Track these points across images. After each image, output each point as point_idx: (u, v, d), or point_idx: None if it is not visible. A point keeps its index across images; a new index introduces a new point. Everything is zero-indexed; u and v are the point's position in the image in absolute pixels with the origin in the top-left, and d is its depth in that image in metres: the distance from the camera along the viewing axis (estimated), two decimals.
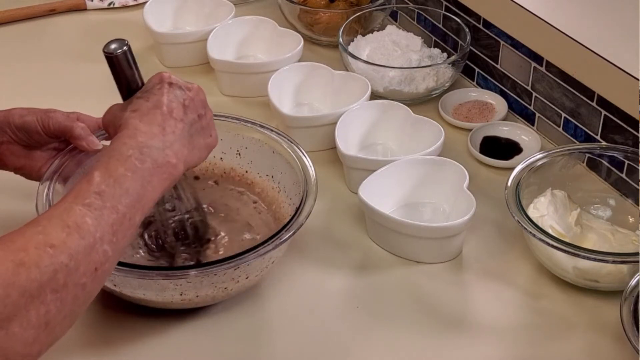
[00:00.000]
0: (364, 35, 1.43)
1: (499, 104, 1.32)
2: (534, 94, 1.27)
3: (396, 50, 1.38)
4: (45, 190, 0.99)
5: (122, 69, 0.93)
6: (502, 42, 1.30)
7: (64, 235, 0.75)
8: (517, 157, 1.22)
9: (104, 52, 0.92)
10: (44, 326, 0.73)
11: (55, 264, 0.73)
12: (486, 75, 1.36)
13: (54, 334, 0.75)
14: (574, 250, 0.97)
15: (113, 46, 0.92)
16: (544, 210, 1.05)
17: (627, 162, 1.11)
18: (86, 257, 0.75)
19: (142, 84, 0.94)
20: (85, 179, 0.80)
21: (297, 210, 0.98)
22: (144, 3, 1.49)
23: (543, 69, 1.23)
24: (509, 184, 1.05)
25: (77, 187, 0.80)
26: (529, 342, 0.96)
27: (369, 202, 1.06)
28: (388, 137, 1.23)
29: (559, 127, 1.23)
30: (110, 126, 0.92)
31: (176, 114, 0.90)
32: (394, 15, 1.52)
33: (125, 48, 0.92)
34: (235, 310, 0.99)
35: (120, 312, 0.98)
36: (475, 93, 1.36)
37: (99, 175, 0.80)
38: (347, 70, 1.35)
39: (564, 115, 1.22)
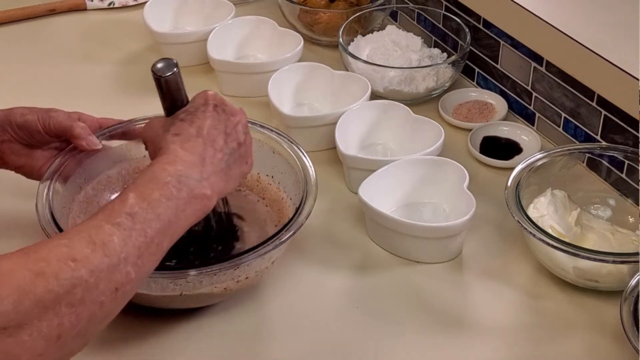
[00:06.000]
0: (364, 35, 1.43)
1: (499, 104, 1.32)
2: (534, 94, 1.27)
3: (396, 50, 1.38)
4: (46, 190, 0.99)
5: (170, 90, 0.92)
6: (502, 42, 1.30)
7: (89, 251, 0.74)
8: (517, 157, 1.22)
9: (153, 72, 0.91)
10: (55, 339, 0.72)
11: (74, 278, 0.73)
12: (486, 75, 1.36)
13: (65, 349, 0.74)
14: (574, 250, 0.97)
15: (160, 65, 0.91)
16: (544, 210, 1.05)
17: (627, 162, 1.11)
18: (108, 276, 0.75)
19: (187, 100, 0.93)
20: (119, 199, 0.81)
21: (297, 210, 0.98)
22: (144, 3, 1.49)
23: (543, 69, 1.23)
24: (509, 184, 1.05)
25: (110, 206, 0.80)
26: (529, 342, 0.96)
27: (369, 202, 1.06)
28: (388, 137, 1.23)
29: (559, 127, 1.23)
30: (149, 143, 0.92)
31: (217, 144, 0.89)
32: (394, 15, 1.53)
33: (175, 70, 0.91)
34: (235, 310, 0.99)
35: (121, 312, 0.97)
36: (475, 93, 1.36)
37: (134, 197, 0.80)
38: (347, 70, 1.35)
39: (564, 115, 1.22)
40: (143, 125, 0.97)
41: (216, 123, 0.90)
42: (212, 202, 0.87)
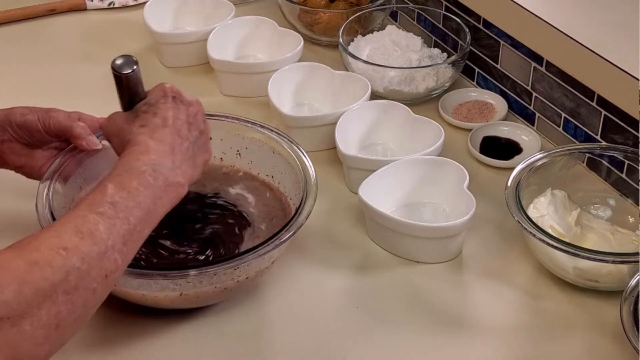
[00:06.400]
0: (364, 35, 1.43)
1: (499, 104, 1.32)
2: (534, 94, 1.27)
3: (396, 50, 1.38)
4: (45, 190, 0.99)
5: (129, 87, 0.93)
6: (502, 42, 1.30)
7: (77, 240, 0.76)
8: (517, 157, 1.22)
9: (113, 69, 0.92)
10: (55, 327, 0.73)
11: (67, 266, 0.74)
12: (486, 75, 1.36)
13: (63, 336, 0.76)
14: (574, 250, 0.97)
15: (120, 62, 0.92)
16: (544, 210, 1.05)
17: (627, 162, 1.11)
18: (98, 263, 0.77)
19: (145, 95, 0.95)
20: (98, 190, 0.82)
21: (297, 210, 0.98)
22: (144, 3, 1.49)
23: (543, 69, 1.23)
24: (509, 184, 1.05)
25: (90, 197, 0.81)
26: (529, 342, 0.96)
27: (369, 202, 1.06)
28: (388, 137, 1.23)
29: (559, 127, 1.23)
30: (113, 137, 0.94)
31: (183, 133, 0.91)
32: (394, 15, 1.53)
33: (135, 67, 0.92)
34: (235, 310, 0.99)
35: (120, 312, 0.98)
36: (475, 93, 1.36)
37: (112, 187, 0.82)
38: (347, 70, 1.35)
39: (564, 115, 1.22)
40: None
41: (177, 113, 0.92)
42: (185, 189, 0.89)
